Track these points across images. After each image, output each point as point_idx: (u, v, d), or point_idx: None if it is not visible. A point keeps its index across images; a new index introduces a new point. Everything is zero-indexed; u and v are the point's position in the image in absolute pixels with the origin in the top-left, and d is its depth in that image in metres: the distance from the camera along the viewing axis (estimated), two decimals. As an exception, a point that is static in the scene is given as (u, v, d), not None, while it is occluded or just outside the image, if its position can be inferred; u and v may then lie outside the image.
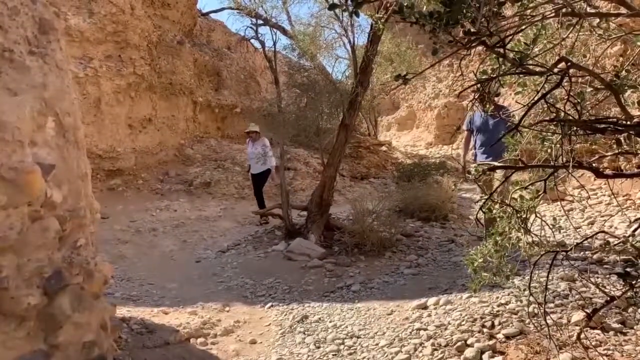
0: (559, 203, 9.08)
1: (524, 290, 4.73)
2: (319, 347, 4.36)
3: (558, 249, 3.42)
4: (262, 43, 10.10)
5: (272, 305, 5.60)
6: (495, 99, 7.14)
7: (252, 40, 13.16)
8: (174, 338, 4.37)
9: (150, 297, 5.97)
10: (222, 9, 20.22)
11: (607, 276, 5.35)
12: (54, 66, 1.58)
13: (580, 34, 3.35)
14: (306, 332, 4.71)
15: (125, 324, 4.59)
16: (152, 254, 8.48)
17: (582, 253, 6.02)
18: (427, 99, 22.61)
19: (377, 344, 4.26)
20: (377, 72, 15.42)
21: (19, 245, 1.42)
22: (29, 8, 1.53)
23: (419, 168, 14.34)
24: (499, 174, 6.06)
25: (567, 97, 2.77)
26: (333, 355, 4.20)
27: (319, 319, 5.00)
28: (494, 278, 3.94)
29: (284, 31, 13.98)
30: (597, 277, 5.29)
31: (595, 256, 5.99)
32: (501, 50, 2.61)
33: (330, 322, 4.89)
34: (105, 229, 9.20)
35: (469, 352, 3.83)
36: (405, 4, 2.77)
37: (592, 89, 3.44)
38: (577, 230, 7.48)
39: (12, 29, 1.43)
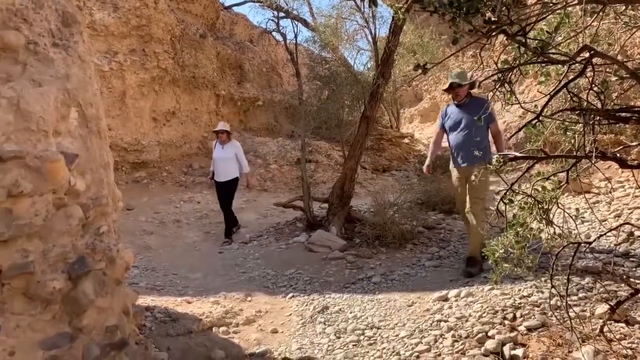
0: (583, 196, 8.91)
1: (546, 281, 4.69)
2: (339, 338, 4.39)
3: (581, 241, 3.37)
4: (284, 36, 10.10)
5: (293, 296, 5.64)
6: (475, 90, 6.09)
7: (274, 33, 13.20)
8: (196, 327, 4.44)
9: (174, 286, 6.08)
10: (244, 2, 20.27)
11: (634, 269, 5.25)
12: (76, 58, 1.62)
13: (604, 22, 3.29)
14: (327, 323, 4.74)
15: (150, 312, 4.69)
16: (176, 244, 8.63)
17: (607, 246, 5.92)
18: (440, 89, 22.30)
19: (397, 335, 4.27)
20: (399, 64, 15.30)
21: (44, 231, 1.47)
22: (52, 1, 1.57)
23: (442, 160, 14.21)
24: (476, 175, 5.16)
25: (590, 86, 2.72)
26: (353, 345, 4.22)
27: (340, 309, 5.03)
28: (515, 269, 3.91)
29: (305, 23, 13.98)
30: (623, 270, 5.20)
31: (620, 249, 5.88)
32: (522, 39, 2.58)
33: (350, 313, 4.91)
34: (131, 220, 9.39)
35: (489, 344, 3.81)
36: (425, -7, 2.76)
37: (616, 78, 3.38)
38: (603, 222, 7.35)
39: (36, 22, 1.47)
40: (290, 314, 5.13)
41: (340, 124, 11.28)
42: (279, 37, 12.59)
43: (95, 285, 1.67)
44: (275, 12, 10.77)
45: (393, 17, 7.60)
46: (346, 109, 11.70)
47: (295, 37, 9.37)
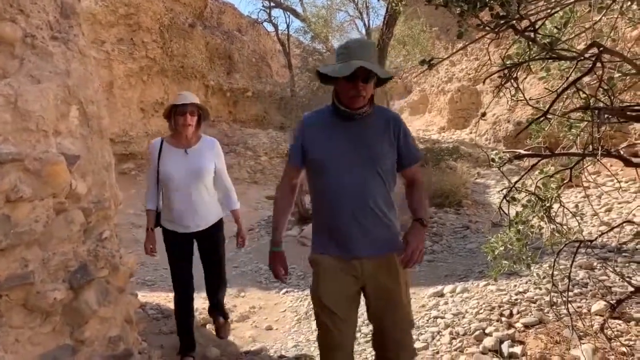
0: (575, 189, 8.96)
1: (544, 278, 4.68)
2: (335, 335, 4.34)
3: (582, 239, 3.35)
4: (276, 26, 9.99)
5: (287, 291, 5.58)
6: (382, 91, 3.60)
7: (265, 24, 13.05)
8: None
9: (165, 281, 5.98)
10: (233, -9, 20.01)
11: (627, 264, 5.27)
12: (77, 52, 1.53)
13: (609, 17, 3.24)
14: (322, 319, 4.69)
15: (141, 309, 4.60)
16: (166, 238, 8.50)
17: (600, 240, 5.94)
18: (440, 82, 22.34)
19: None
20: (390, 56, 15.22)
21: (44, 238, 1.39)
22: (50, -9, 1.48)
23: (432, 153, 14.22)
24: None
25: (598, 83, 2.67)
26: (350, 342, 4.17)
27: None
28: (515, 266, 3.88)
29: (296, 14, 13.83)
30: (617, 266, 5.21)
31: (613, 244, 5.90)
32: (531, 34, 2.52)
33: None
34: (118, 213, 9.23)
35: (487, 341, 3.78)
36: (430, -14, 2.68)
37: (620, 74, 3.34)
38: (594, 217, 7.38)
39: (34, 13, 1.38)
40: (285, 310, 5.07)
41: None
42: (270, 27, 12.46)
43: (97, 295, 1.58)
44: (267, 2, 10.63)
45: (387, 8, 7.51)
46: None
47: (288, 27, 9.27)
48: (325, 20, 12.72)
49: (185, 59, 14.25)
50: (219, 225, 3.64)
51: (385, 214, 2.38)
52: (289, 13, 11.42)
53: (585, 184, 9.22)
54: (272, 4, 10.56)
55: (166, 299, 5.03)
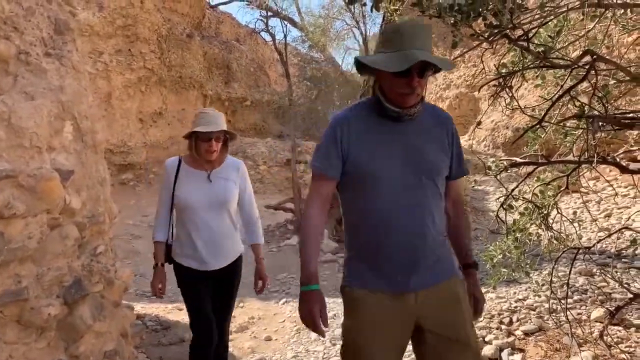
0: (574, 195, 8.97)
1: (543, 285, 4.67)
2: (334, 345, 4.32)
3: (581, 246, 3.35)
4: (273, 36, 10.03)
5: (286, 301, 5.57)
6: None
7: (262, 33, 13.10)
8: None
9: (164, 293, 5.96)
10: (231, 1, 20.17)
11: (627, 270, 5.26)
12: (70, 68, 1.54)
13: (602, 25, 3.26)
14: (322, 329, 4.67)
15: (140, 320, 4.58)
16: (164, 248, 8.49)
17: (600, 246, 5.93)
18: (438, 89, 22.39)
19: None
20: (387, 63, 15.29)
21: (38, 254, 1.39)
22: (44, 8, 1.48)
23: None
24: None
25: (592, 91, 2.69)
26: (349, 352, 4.16)
27: (334, 315, 4.96)
28: (514, 273, 3.88)
29: (294, 23, 13.90)
30: (616, 271, 5.20)
31: (612, 250, 5.90)
32: (525, 43, 2.54)
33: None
34: (117, 223, 9.22)
35: (487, 350, 3.77)
36: (424, -4, 2.70)
37: (614, 81, 3.35)
38: (594, 222, 7.37)
39: (27, 30, 1.38)
40: (284, 320, 5.05)
41: (330, 125, 11.22)
42: (267, 36, 12.52)
43: (92, 309, 1.58)
44: (264, 12, 10.69)
45: (384, 17, 7.54)
46: (336, 109, 11.65)
47: (285, 37, 9.31)
48: (322, 29, 12.79)
49: (183, 69, 14.30)
50: (239, 264, 3.06)
51: (443, 232, 1.94)
52: (286, 22, 11.52)
53: (584, 190, 9.23)
54: (269, 13, 10.63)
55: (165, 310, 5.02)
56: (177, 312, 5.01)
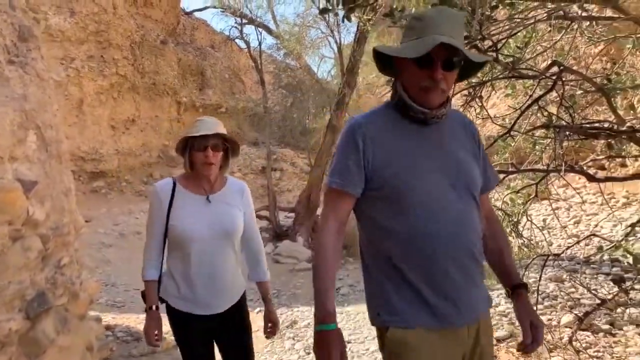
0: (544, 202, 9.14)
1: (514, 292, 4.74)
2: (309, 354, 4.31)
3: (550, 253, 3.42)
4: (247, 43, 10.01)
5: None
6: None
7: (237, 40, 13.07)
8: (161, 346, 4.27)
9: (136, 302, 5.86)
10: (206, 8, 20.09)
11: (595, 276, 5.37)
12: (34, 76, 1.50)
13: (569, 36, 3.34)
14: (295, 338, 4.65)
15: (110, 331, 4.49)
16: (137, 258, 8.33)
17: (569, 252, 6.05)
18: (412, 98, 22.65)
19: (367, 349, 4.22)
20: (363, 72, 15.40)
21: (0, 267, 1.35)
22: (7, 15, 1.45)
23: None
24: None
25: (559, 100, 2.75)
26: (323, 361, 4.15)
27: (309, 323, 4.94)
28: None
29: (269, 31, 13.90)
30: (585, 277, 5.31)
31: (582, 256, 6.02)
32: (494, 54, 2.58)
33: (319, 326, 4.83)
34: (89, 232, 9.05)
35: (460, 356, 3.80)
36: (395, 7, 2.73)
37: (582, 91, 3.44)
38: (564, 229, 7.53)
39: (-11, 37, 1.35)
40: (258, 330, 5.01)
41: (305, 132, 11.25)
42: (242, 44, 12.49)
43: (56, 323, 1.54)
44: (239, 19, 10.67)
45: (358, 26, 7.61)
46: (311, 116, 11.68)
47: (260, 44, 9.31)
48: (297, 37, 12.82)
49: (157, 76, 14.16)
50: (244, 302, 2.52)
51: (482, 253, 1.63)
52: (261, 30, 11.53)
53: (554, 198, 9.41)
54: (244, 21, 10.62)
55: (136, 321, 4.92)
56: (148, 323, 4.92)
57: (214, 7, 14.81)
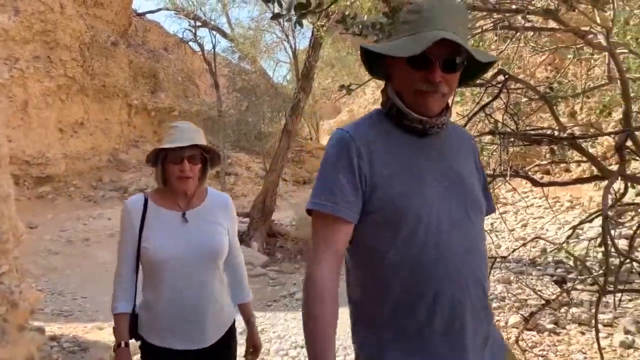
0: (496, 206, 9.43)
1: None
2: None
3: (498, 255, 3.53)
4: (201, 46, 9.92)
5: (241, 332, 5.46)
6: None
7: (191, 43, 12.91)
8: (109, 356, 4.15)
9: (83, 311, 5.67)
10: (159, 10, 19.71)
11: (540, 277, 5.58)
12: (-29, 76, 1.43)
13: (514, 46, 3.47)
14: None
15: (56, 342, 4.34)
16: (84, 265, 8.08)
17: (516, 255, 6.26)
18: (367, 104, 22.99)
19: None
20: (318, 77, 15.51)
21: None
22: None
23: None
24: None
25: (504, 108, 2.85)
26: (277, 366, 4.13)
27: (262, 329, 4.91)
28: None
29: (223, 34, 13.81)
30: (532, 278, 5.51)
31: (528, 258, 6.25)
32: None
33: (273, 332, 4.81)
34: (34, 239, 8.70)
35: None
36: (347, 14, 2.77)
37: (526, 99, 3.57)
38: (512, 232, 7.78)
39: None
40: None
41: (260, 136, 11.21)
42: (196, 47, 12.34)
43: (-7, 335, 1.47)
44: (192, 22, 10.54)
45: (313, 32, 7.66)
46: (266, 120, 11.65)
47: (214, 47, 9.23)
48: (252, 41, 12.78)
49: (107, 78, 13.79)
50: (233, 335, 2.22)
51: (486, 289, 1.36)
52: (215, 33, 11.42)
53: (502, 202, 9.72)
54: (197, 23, 10.50)
55: (84, 330, 4.77)
56: (96, 332, 4.77)
57: (167, 9, 14.58)
